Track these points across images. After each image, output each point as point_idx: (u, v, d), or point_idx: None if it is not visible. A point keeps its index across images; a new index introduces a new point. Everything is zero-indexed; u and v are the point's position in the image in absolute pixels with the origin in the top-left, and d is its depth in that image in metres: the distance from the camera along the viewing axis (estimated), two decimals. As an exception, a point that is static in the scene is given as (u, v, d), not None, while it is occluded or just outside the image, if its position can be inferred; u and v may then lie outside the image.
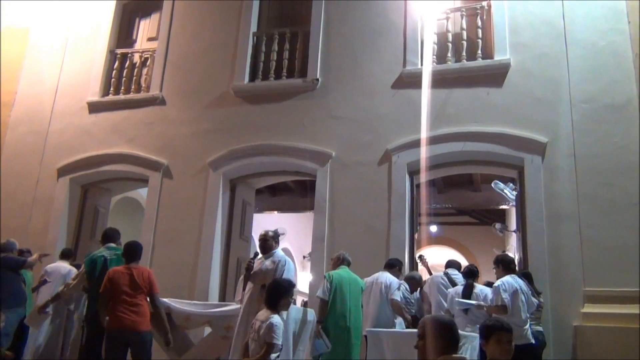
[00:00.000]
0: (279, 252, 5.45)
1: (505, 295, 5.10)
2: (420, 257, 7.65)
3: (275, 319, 4.05)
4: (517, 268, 6.67)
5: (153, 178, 8.07)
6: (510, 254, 10.52)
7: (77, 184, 8.59)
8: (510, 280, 5.23)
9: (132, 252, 5.14)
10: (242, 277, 5.94)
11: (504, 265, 5.45)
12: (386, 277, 6.06)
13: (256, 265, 5.30)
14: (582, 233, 6.11)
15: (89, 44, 9.22)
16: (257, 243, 5.67)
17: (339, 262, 6.07)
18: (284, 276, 4.99)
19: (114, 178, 8.62)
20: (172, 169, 7.99)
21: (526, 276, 5.70)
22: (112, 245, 5.69)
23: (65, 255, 7.10)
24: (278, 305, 4.18)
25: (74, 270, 6.43)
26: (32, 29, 9.79)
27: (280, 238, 9.49)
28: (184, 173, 7.92)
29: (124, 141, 8.36)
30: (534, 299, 5.35)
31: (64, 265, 6.84)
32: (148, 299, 5.00)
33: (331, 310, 5.69)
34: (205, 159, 7.83)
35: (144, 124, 8.35)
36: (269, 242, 5.38)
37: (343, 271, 5.97)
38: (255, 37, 8.39)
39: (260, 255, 5.43)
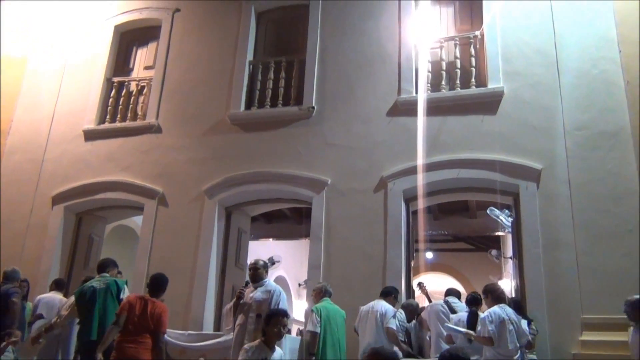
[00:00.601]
0: (270, 281, 5.47)
1: (491, 327, 5.09)
2: (420, 284, 7.60)
3: (247, 345, 4.08)
4: (512, 295, 6.62)
5: (148, 206, 8.05)
6: (507, 281, 10.48)
7: (71, 212, 8.54)
8: (498, 311, 5.21)
9: (155, 285, 5.07)
10: (229, 305, 5.88)
11: (493, 295, 5.46)
12: (382, 305, 6.01)
13: (246, 294, 5.30)
14: (579, 260, 6.10)
15: (86, 72, 9.28)
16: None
17: (322, 294, 6.11)
18: (280, 306, 4.98)
19: (109, 206, 8.58)
20: (167, 197, 7.97)
21: (516, 304, 5.68)
22: (106, 274, 5.63)
23: (58, 286, 7.01)
24: (266, 334, 4.16)
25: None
26: (29, 57, 9.86)
27: (275, 266, 9.44)
28: (180, 201, 7.90)
29: (120, 169, 8.35)
30: (525, 329, 5.31)
31: (58, 297, 6.76)
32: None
33: (323, 343, 5.67)
34: (200, 187, 7.82)
35: (139, 151, 8.36)
36: (259, 270, 5.39)
37: (327, 303, 6.01)
38: (251, 66, 8.48)
39: (250, 284, 5.43)
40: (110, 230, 9.80)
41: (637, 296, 5.19)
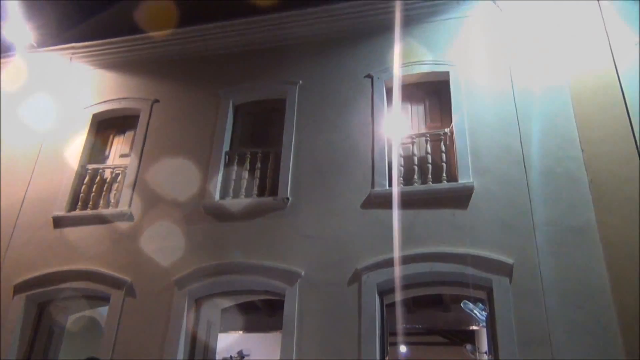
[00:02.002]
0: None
1: None
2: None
3: None
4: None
5: (115, 296, 7.77)
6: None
7: (33, 302, 8.17)
8: None
9: None
10: None
11: None
12: (357, 405, 5.81)
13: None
14: (555, 356, 6.02)
15: (60, 158, 9.22)
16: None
17: None
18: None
19: (73, 296, 8.25)
20: (135, 287, 7.73)
21: None
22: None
23: None
24: None
25: None
26: (4, 140, 9.79)
27: (244, 360, 9.04)
28: (148, 291, 7.67)
29: (88, 257, 8.13)
30: None
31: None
32: None
33: None
34: (171, 277, 7.64)
35: (110, 240, 8.20)
36: None
37: None
38: (227, 156, 8.59)
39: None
40: (73, 322, 9.38)
41: None
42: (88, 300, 8.44)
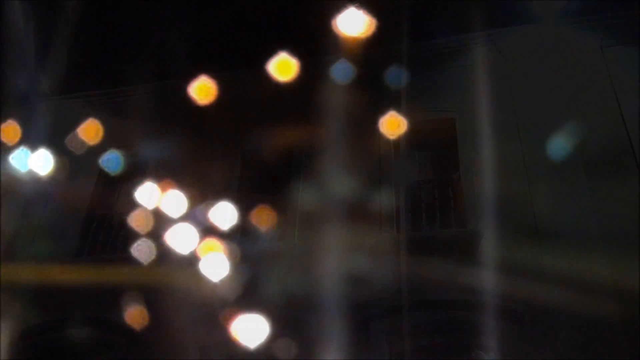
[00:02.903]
0: None
1: None
2: None
3: None
4: None
5: (119, 343, 7.68)
6: None
7: (36, 349, 8.05)
8: None
9: None
10: None
11: None
12: None
13: None
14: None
15: (69, 204, 9.28)
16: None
17: None
18: None
19: (76, 343, 8.11)
20: (141, 334, 7.59)
21: None
22: None
23: None
24: None
25: None
26: (15, 186, 9.85)
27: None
28: (153, 339, 7.52)
29: (93, 303, 8.01)
30: None
31: None
32: None
33: None
34: (177, 324, 7.51)
35: (116, 286, 8.11)
36: None
37: None
38: (235, 203, 8.59)
39: None
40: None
41: None
42: (91, 348, 8.31)
